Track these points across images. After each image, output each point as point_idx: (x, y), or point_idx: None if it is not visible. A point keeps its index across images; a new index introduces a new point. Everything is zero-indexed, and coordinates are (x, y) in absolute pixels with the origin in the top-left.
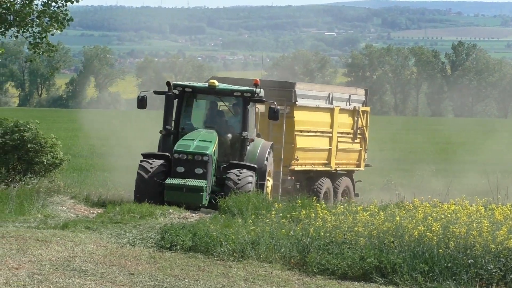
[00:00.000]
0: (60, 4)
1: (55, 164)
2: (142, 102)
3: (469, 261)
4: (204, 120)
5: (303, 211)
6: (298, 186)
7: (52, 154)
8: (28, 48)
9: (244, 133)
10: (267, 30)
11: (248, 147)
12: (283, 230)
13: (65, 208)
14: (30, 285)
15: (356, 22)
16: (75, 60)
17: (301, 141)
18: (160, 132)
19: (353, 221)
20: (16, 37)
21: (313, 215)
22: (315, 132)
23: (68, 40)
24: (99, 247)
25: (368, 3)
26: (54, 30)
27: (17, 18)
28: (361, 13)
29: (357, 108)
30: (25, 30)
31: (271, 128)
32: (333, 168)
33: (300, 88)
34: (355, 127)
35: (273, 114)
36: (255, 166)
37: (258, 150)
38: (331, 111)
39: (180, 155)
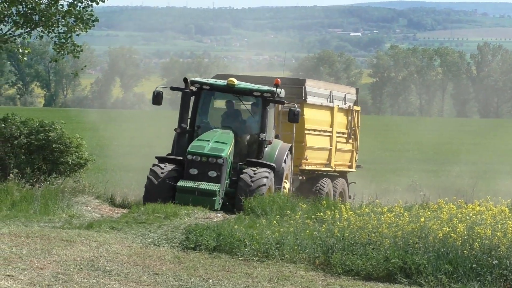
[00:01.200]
0: (86, 4)
1: (80, 164)
2: (157, 98)
3: (494, 262)
4: (221, 119)
5: (328, 211)
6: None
7: (77, 154)
8: (53, 48)
9: (262, 135)
10: (292, 30)
11: (266, 149)
12: (307, 231)
13: (89, 208)
14: (54, 285)
15: (381, 23)
16: (101, 60)
17: (310, 140)
18: (175, 130)
19: (377, 222)
20: (42, 37)
21: (338, 215)
22: (319, 131)
23: (94, 41)
24: (124, 247)
25: (393, 4)
26: (80, 31)
27: (43, 18)
28: (386, 13)
29: (351, 108)
30: (50, 30)
31: (281, 126)
32: (333, 169)
33: (309, 85)
34: (349, 127)
35: (293, 117)
36: (272, 164)
37: (276, 152)
38: (331, 109)
39: (194, 157)
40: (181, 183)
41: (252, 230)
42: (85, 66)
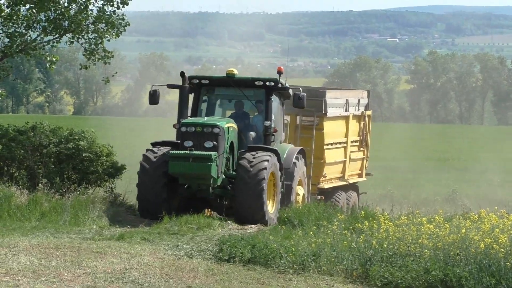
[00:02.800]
0: (115, 7)
1: (110, 173)
2: (154, 97)
3: None
4: (225, 115)
5: (366, 222)
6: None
7: (107, 163)
8: (83, 55)
9: (267, 123)
10: (328, 36)
11: (275, 148)
12: (345, 242)
13: (120, 218)
14: None
15: (419, 28)
16: (131, 67)
17: (329, 155)
18: (174, 126)
19: (417, 232)
20: (71, 43)
21: (376, 226)
22: (336, 143)
23: (124, 47)
24: (156, 259)
25: (432, 8)
26: (110, 36)
27: (72, 24)
28: (425, 18)
29: (364, 113)
30: (80, 37)
31: (298, 142)
32: (347, 182)
33: (329, 97)
34: (361, 134)
35: (298, 101)
36: (275, 149)
37: (286, 152)
38: (347, 119)
39: (188, 128)
40: (174, 151)
41: (288, 241)
42: (116, 72)
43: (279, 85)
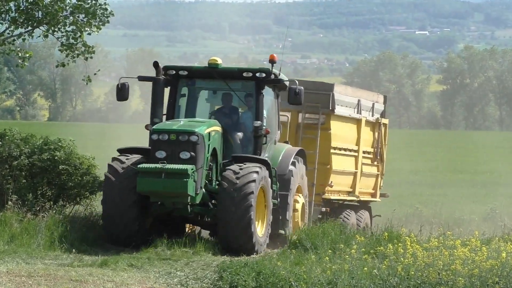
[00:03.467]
0: None
1: (91, 189)
2: (122, 92)
3: None
4: (209, 115)
5: (390, 245)
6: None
7: (88, 177)
8: (59, 50)
9: (257, 123)
10: (346, 28)
11: (270, 152)
12: (365, 268)
13: (103, 242)
14: None
15: (453, 19)
16: (116, 65)
17: (336, 162)
18: (146, 127)
19: (449, 257)
20: (46, 37)
21: (402, 250)
22: (345, 150)
23: (108, 41)
24: None
25: None
26: (91, 29)
27: (47, 15)
28: (459, 8)
29: (379, 120)
30: (56, 29)
31: (300, 143)
32: (357, 198)
33: (338, 92)
34: (375, 145)
35: (294, 97)
36: (265, 159)
37: (281, 155)
38: (358, 123)
39: (160, 135)
40: (143, 165)
41: (299, 267)
42: (99, 70)
43: (272, 76)
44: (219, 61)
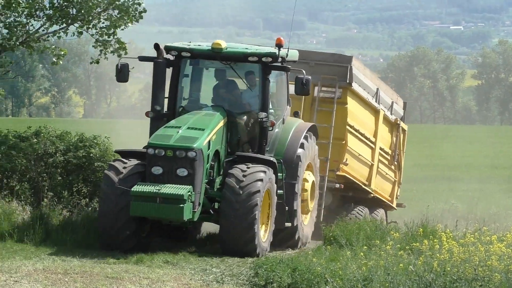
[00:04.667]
0: None
1: None
2: (122, 73)
3: None
4: (212, 96)
5: (425, 241)
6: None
7: None
8: (93, 47)
9: (262, 115)
10: (380, 24)
11: (277, 130)
12: (401, 265)
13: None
14: None
15: (488, 14)
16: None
17: (352, 141)
18: (147, 114)
19: (485, 253)
20: (80, 34)
21: (438, 246)
22: (362, 135)
23: (143, 38)
24: (181, 285)
25: None
26: (125, 25)
27: (81, 12)
28: (494, 2)
29: (398, 122)
30: (90, 26)
31: (315, 116)
32: (372, 192)
33: (356, 66)
34: (393, 148)
35: (301, 87)
36: (271, 159)
37: (290, 135)
38: (376, 114)
39: (157, 151)
40: (137, 187)
41: (335, 264)
42: (133, 67)
43: (279, 60)
44: (223, 44)
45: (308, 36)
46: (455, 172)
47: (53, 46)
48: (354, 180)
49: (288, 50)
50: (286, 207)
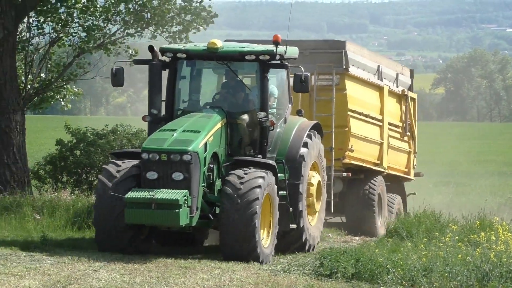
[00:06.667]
0: None
1: None
2: (117, 77)
3: None
4: (212, 97)
5: (482, 233)
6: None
7: None
8: None
9: (261, 114)
10: (439, 27)
11: (279, 130)
12: (459, 256)
13: (211, 229)
14: None
15: None
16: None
17: (355, 125)
18: (144, 119)
19: None
20: (154, 37)
21: (494, 238)
22: (366, 116)
23: None
24: (250, 275)
25: None
26: (196, 29)
27: (155, 16)
28: None
29: (405, 93)
30: (164, 30)
31: (315, 106)
32: (385, 170)
33: (351, 51)
34: (403, 119)
35: (300, 84)
36: (271, 162)
37: (293, 134)
38: (381, 90)
39: (151, 155)
40: (131, 194)
41: (396, 255)
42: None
43: (277, 57)
44: (219, 44)
45: (370, 39)
46: (511, 167)
47: (128, 48)
48: (363, 164)
49: (286, 47)
50: (290, 209)
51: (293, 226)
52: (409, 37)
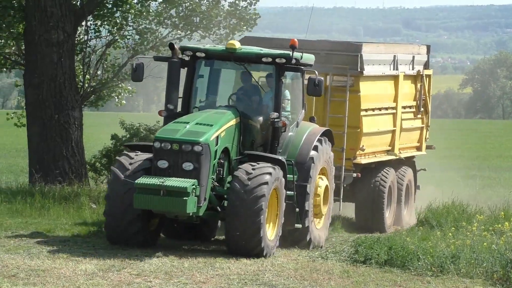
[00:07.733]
0: (248, 3)
1: None
2: (138, 73)
3: None
4: (229, 97)
5: (506, 223)
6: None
7: None
8: None
9: (274, 115)
10: (467, 31)
11: (290, 134)
12: (485, 244)
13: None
14: None
15: None
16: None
17: (367, 124)
18: (160, 113)
19: None
20: (203, 39)
21: None
22: (380, 109)
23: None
24: (290, 261)
25: None
26: (241, 32)
27: (204, 20)
28: None
29: (421, 73)
30: (211, 33)
31: (328, 107)
32: (397, 155)
33: (367, 52)
34: (418, 97)
35: (313, 88)
36: (279, 158)
37: (304, 138)
38: (395, 79)
39: (163, 144)
40: (141, 179)
41: (426, 243)
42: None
43: (293, 61)
44: (237, 45)
45: (403, 42)
46: None
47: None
48: (375, 159)
49: (302, 53)
50: (297, 209)
51: (298, 225)
52: (439, 40)
